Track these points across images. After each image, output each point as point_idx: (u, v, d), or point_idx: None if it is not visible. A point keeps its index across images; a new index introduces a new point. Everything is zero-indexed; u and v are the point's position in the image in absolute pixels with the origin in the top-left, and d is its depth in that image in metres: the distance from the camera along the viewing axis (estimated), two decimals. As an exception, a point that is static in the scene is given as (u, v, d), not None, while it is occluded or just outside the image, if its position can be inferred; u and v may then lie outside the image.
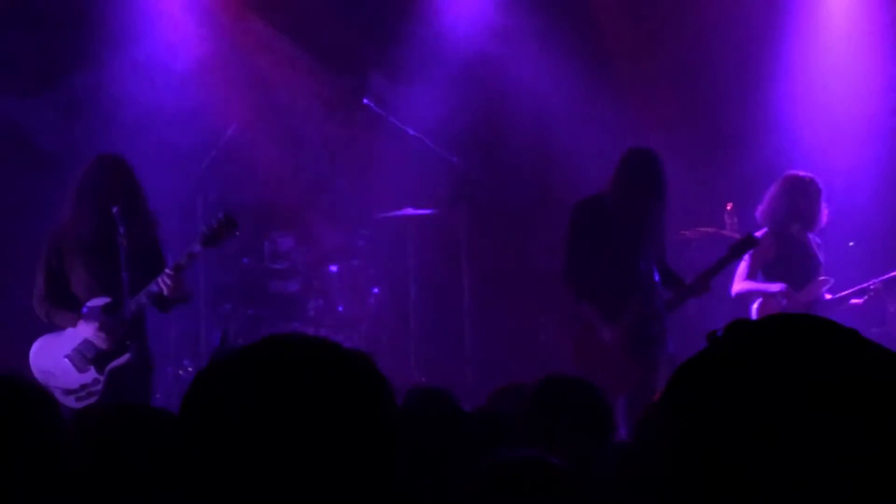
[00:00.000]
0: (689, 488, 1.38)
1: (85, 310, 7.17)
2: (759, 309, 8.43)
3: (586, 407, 4.14)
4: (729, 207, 9.42)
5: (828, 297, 8.58)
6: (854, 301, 8.61)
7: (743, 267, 8.51)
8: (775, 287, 8.42)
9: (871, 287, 8.61)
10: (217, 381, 1.75)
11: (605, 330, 7.76)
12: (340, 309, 10.19)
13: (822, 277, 8.53)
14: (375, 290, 10.33)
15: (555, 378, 4.30)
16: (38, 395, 2.77)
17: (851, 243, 9.82)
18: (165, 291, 6.98)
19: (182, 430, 1.73)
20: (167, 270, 7.02)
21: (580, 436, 4.02)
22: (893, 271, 8.73)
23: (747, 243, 7.96)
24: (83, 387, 7.12)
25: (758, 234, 8.41)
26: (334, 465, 1.70)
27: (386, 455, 1.74)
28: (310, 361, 1.75)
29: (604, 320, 7.77)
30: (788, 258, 8.47)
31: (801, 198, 8.48)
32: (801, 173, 8.59)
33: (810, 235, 8.56)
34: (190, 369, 9.92)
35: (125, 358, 7.14)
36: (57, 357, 7.17)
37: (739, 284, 8.55)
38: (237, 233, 7.29)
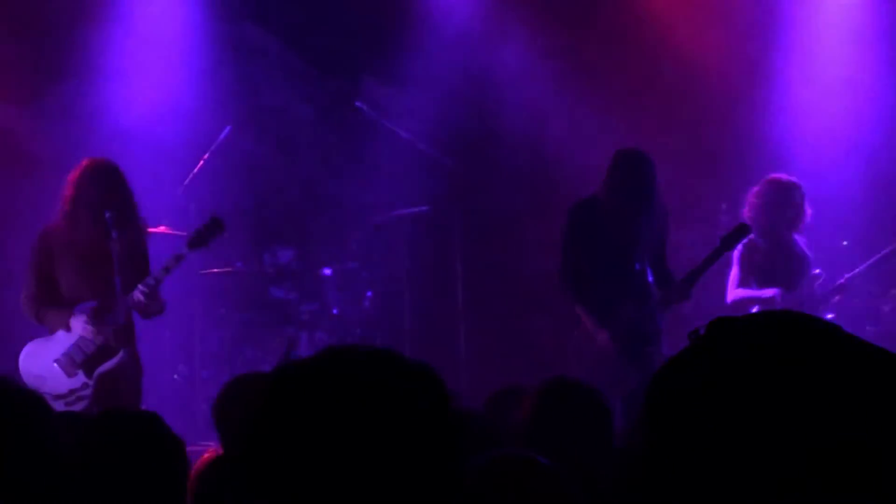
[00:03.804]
0: (670, 490, 1.36)
1: (75, 312, 7.17)
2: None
3: (588, 411, 4.11)
4: (724, 207, 9.40)
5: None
6: (835, 299, 8.59)
7: (734, 274, 8.49)
8: (769, 292, 8.40)
9: (843, 283, 8.59)
10: (286, 393, 1.75)
11: (599, 332, 7.76)
12: (335, 312, 10.17)
13: (814, 272, 8.53)
14: (369, 293, 10.31)
15: (557, 381, 4.28)
16: (28, 398, 2.76)
17: (845, 242, 9.81)
18: (141, 306, 7.04)
19: (253, 439, 1.74)
20: (155, 274, 7.06)
21: (581, 439, 4.00)
22: (861, 266, 8.70)
23: (739, 232, 7.86)
24: (72, 391, 7.11)
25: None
26: (400, 473, 1.70)
27: (451, 463, 1.74)
28: (375, 373, 1.75)
29: (597, 323, 7.76)
30: (778, 260, 8.45)
31: (785, 201, 8.45)
32: (783, 176, 8.57)
33: (796, 235, 8.55)
34: (185, 373, 9.90)
35: (114, 362, 7.14)
36: (46, 362, 7.16)
37: (733, 293, 8.53)
38: (224, 234, 7.34)
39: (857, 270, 8.63)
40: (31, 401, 2.71)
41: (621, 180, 7.76)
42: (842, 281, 8.58)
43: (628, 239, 7.77)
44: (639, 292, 7.81)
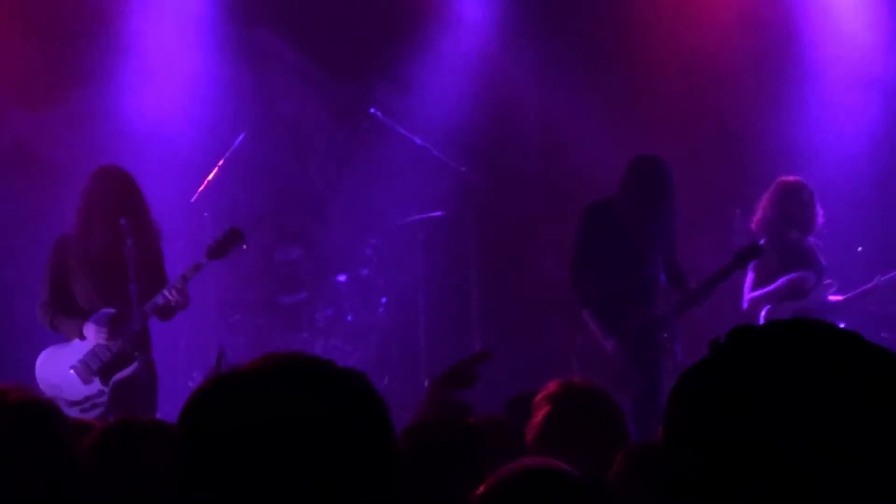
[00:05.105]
0: (694, 494, 1.36)
1: (91, 319, 7.18)
2: (766, 316, 8.39)
3: (602, 417, 4.09)
4: (738, 213, 9.38)
5: (834, 298, 8.55)
6: (864, 301, 8.62)
7: (749, 281, 8.49)
8: (784, 279, 8.36)
9: (880, 283, 8.59)
10: (215, 401, 1.74)
11: (607, 340, 7.74)
12: (349, 318, 10.18)
13: (826, 281, 8.51)
14: (384, 299, 10.31)
15: (567, 386, 4.25)
16: (43, 406, 2.76)
17: (860, 248, 9.78)
18: (172, 302, 7.05)
19: (184, 446, 1.73)
20: (173, 283, 7.07)
21: (594, 445, 3.98)
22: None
23: (752, 252, 7.90)
24: (88, 398, 7.13)
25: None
26: (331, 481, 1.69)
27: (382, 470, 1.73)
28: (305, 380, 1.74)
29: (605, 330, 7.74)
30: (791, 265, 8.44)
31: (794, 204, 8.46)
32: (791, 179, 8.58)
33: (810, 239, 8.54)
34: (200, 380, 9.90)
35: (130, 370, 7.16)
36: (62, 369, 7.17)
37: (749, 295, 8.52)
38: (244, 245, 7.35)
39: (891, 274, 8.64)
40: (45, 409, 2.71)
41: (638, 186, 7.77)
42: (872, 284, 8.59)
43: (642, 244, 7.77)
44: (651, 297, 7.80)
